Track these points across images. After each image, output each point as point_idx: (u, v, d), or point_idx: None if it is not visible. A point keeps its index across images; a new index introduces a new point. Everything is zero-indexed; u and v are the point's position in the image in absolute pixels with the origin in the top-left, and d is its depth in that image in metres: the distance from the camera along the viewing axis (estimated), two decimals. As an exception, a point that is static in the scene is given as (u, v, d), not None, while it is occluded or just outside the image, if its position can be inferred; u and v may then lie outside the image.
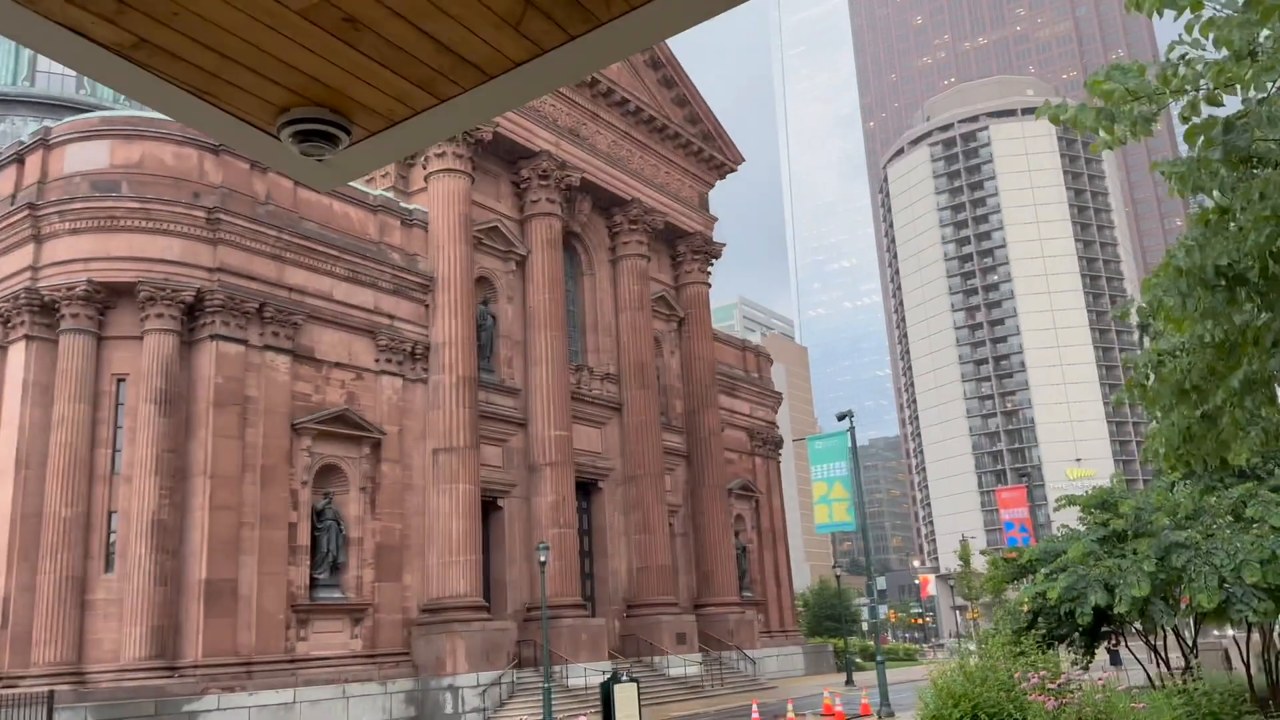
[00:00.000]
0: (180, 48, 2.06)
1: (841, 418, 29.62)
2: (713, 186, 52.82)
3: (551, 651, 34.34)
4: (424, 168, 37.13)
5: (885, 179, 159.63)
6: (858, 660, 54.00)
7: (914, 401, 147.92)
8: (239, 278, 30.09)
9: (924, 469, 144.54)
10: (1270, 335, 6.06)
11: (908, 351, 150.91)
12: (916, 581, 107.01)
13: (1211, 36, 4.98)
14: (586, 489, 42.38)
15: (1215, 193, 5.60)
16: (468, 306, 35.66)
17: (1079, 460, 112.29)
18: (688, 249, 50.35)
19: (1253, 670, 17.28)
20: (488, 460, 36.57)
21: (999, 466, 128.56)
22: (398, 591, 32.81)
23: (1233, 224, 5.65)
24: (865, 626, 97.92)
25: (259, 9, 1.98)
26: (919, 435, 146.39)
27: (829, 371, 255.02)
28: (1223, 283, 5.81)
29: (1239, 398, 6.39)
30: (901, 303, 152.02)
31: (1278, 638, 16.55)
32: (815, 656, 52.49)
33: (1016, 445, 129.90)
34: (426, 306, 35.58)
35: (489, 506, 37.30)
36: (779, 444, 56.35)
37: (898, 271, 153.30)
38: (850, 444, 27.26)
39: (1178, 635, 18.87)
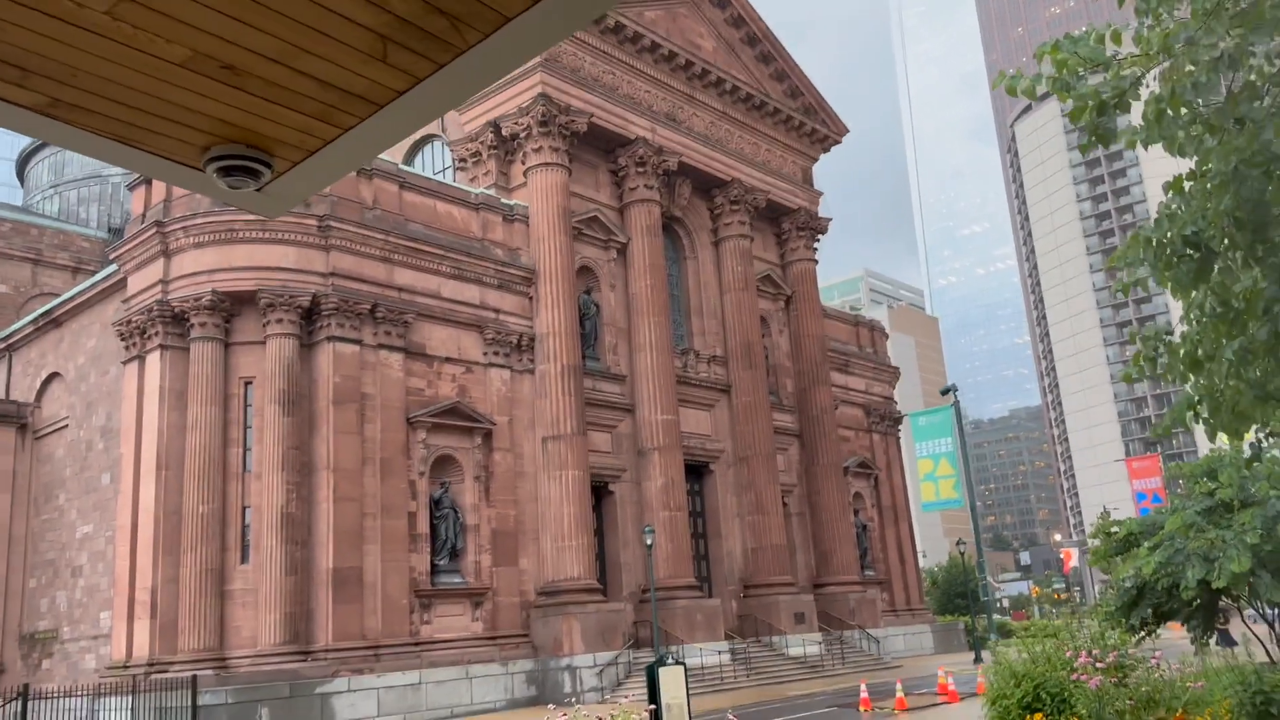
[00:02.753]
0: (91, 103, 2.32)
1: (945, 392, 28.92)
2: (816, 160, 51.98)
3: (667, 632, 34.88)
4: (523, 163, 37.98)
5: (1013, 138, 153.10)
6: (992, 639, 52.51)
7: (1053, 369, 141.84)
8: (351, 281, 31.58)
9: (1066, 439, 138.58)
10: (1261, 302, 5.76)
11: (1044, 317, 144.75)
12: (1060, 555, 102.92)
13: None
14: (698, 471, 42.64)
15: (1190, 152, 5.36)
16: (569, 297, 36.36)
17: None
18: (792, 226, 49.79)
19: None
20: (596, 446, 37.27)
21: (1146, 434, 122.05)
22: (514, 575, 33.91)
23: (1207, 185, 5.40)
24: (1005, 603, 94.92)
25: (145, 64, 2.21)
26: (1060, 404, 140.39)
27: (963, 342, 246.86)
28: (1191, 253, 5.57)
29: (1236, 367, 6.11)
30: (1036, 266, 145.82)
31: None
32: (945, 635, 51.37)
33: (1164, 410, 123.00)
34: (530, 299, 36.48)
35: (600, 491, 38.04)
36: (897, 420, 55.16)
37: (1030, 234, 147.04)
38: (955, 419, 26.54)
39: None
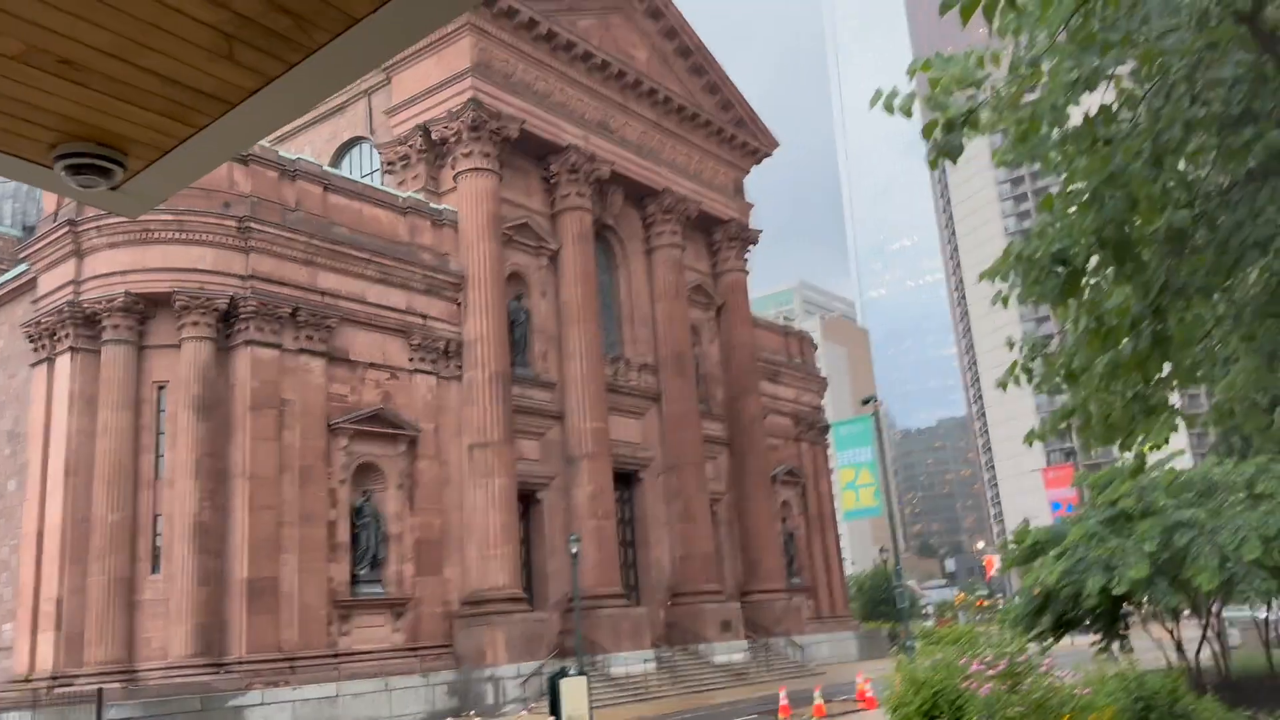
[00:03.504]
0: None
1: (866, 402, 29.40)
2: (747, 172, 52.53)
3: (593, 641, 34.78)
4: (453, 168, 37.65)
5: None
6: (916, 645, 53.41)
7: (978, 380, 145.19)
8: (271, 284, 30.93)
9: (990, 448, 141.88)
10: (1129, 318, 5.97)
11: (970, 329, 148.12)
12: (983, 562, 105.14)
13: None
14: (627, 479, 42.65)
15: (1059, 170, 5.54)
16: (499, 303, 36.13)
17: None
18: (724, 236, 50.20)
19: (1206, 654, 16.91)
20: (525, 454, 37.06)
21: (1066, 444, 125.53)
22: (438, 585, 33.49)
23: (1071, 209, 5.58)
24: (930, 610, 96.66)
25: None
26: (984, 414, 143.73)
27: (893, 353, 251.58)
28: (1059, 269, 5.75)
29: (1106, 381, 6.32)
30: (962, 280, 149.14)
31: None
32: (869, 642, 52.09)
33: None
34: (458, 305, 36.14)
35: (528, 499, 37.82)
36: (825, 429, 55.88)
37: (957, 249, 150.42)
38: (875, 429, 27.00)
39: (1198, 615, 18.38)
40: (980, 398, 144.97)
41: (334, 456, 31.53)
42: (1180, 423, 9.94)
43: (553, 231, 40.60)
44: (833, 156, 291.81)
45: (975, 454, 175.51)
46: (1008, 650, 11.50)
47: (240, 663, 28.02)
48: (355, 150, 42.07)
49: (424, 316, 35.03)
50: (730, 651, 39.82)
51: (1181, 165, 5.90)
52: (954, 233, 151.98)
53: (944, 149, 5.00)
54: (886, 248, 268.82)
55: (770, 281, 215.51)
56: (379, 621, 31.93)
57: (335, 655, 30.20)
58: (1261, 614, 20.33)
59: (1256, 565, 14.84)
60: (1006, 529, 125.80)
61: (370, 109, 40.32)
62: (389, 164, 38.98)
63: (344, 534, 31.35)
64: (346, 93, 40.74)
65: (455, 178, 37.45)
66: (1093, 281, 6.33)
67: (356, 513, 32.02)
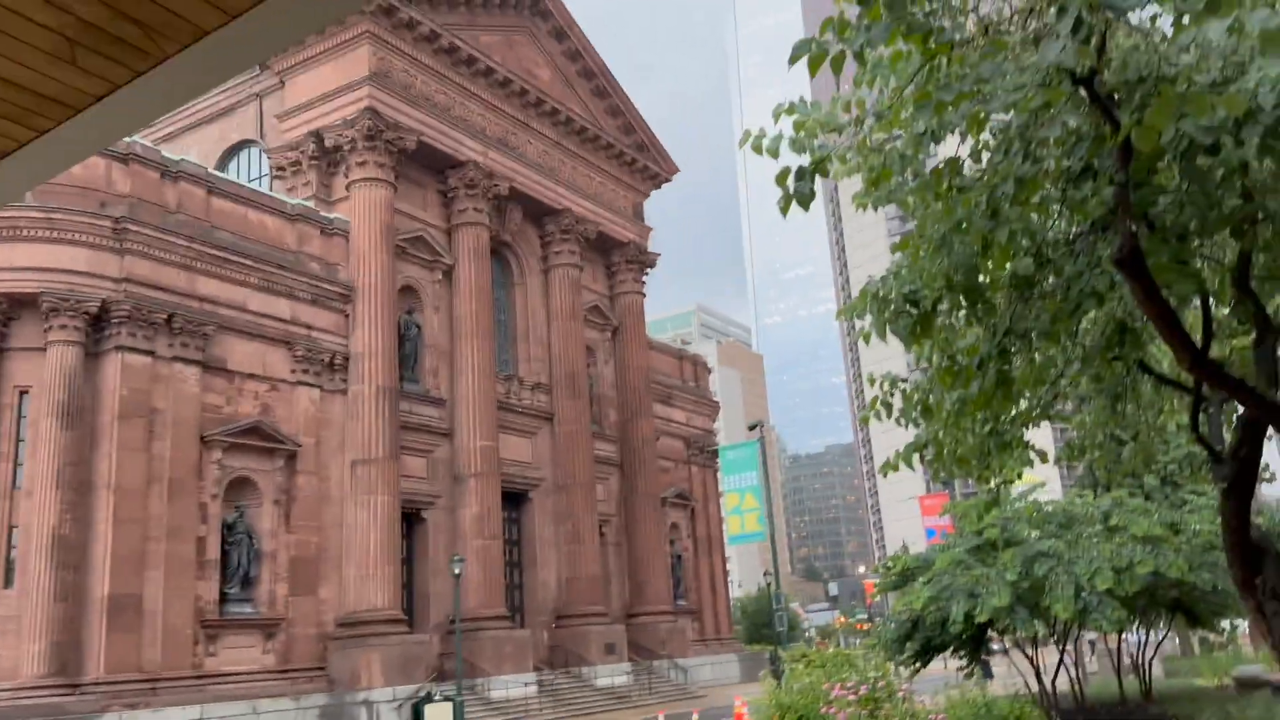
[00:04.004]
0: None
1: (753, 428, 29.85)
2: (647, 196, 53.01)
3: (474, 664, 34.22)
4: (346, 177, 36.89)
5: (835, 187, 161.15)
6: (784, 669, 54.25)
7: (864, 408, 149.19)
8: (147, 288, 29.67)
9: (874, 475, 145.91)
10: (976, 358, 6.23)
11: (858, 359, 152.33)
12: (864, 586, 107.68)
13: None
14: (516, 499, 42.24)
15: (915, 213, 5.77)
16: (389, 316, 35.45)
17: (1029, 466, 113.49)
18: (622, 259, 50.46)
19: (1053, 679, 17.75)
20: (411, 471, 36.35)
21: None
22: (313, 605, 32.46)
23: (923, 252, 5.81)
24: (812, 633, 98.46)
25: None
26: (869, 441, 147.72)
27: (786, 379, 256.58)
28: (911, 309, 5.98)
29: (955, 417, 6.57)
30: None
31: (1126, 646, 16.91)
32: (751, 664, 52.60)
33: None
34: (346, 316, 35.31)
35: (412, 518, 37.07)
36: (715, 452, 56.55)
37: (848, 280, 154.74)
38: (760, 454, 27.43)
39: (1057, 642, 19.19)
40: (866, 425, 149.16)
41: (206, 470, 30.32)
42: (1052, 455, 10.47)
43: (448, 246, 40.12)
44: (734, 184, 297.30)
45: (860, 480, 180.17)
46: (870, 675, 11.77)
47: (97, 684, 26.56)
48: (244, 153, 40.82)
49: (309, 327, 34.10)
50: (614, 674, 39.70)
51: (1034, 214, 6.20)
52: (845, 264, 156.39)
53: (795, 196, 5.13)
54: (782, 276, 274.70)
55: (669, 304, 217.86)
56: (249, 642, 30.74)
57: (201, 677, 28.92)
58: (1132, 639, 21.33)
59: (1109, 595, 15.60)
60: (888, 554, 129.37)
61: (261, 112, 39.22)
62: (279, 169, 37.94)
63: (214, 551, 30.13)
64: (236, 94, 39.58)
65: (348, 187, 36.69)
66: (948, 322, 6.59)
67: (229, 529, 30.83)
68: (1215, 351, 9.13)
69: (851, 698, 11.07)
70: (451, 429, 38.33)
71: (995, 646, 26.34)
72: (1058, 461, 12.28)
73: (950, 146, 6.01)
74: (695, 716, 25.95)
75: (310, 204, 35.95)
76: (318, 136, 36.95)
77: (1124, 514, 16.94)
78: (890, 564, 20.15)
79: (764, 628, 71.72)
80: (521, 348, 44.39)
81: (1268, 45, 3.79)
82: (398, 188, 37.48)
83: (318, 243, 35.29)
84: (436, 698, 15.04)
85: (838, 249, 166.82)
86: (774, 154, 5.64)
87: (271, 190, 36.98)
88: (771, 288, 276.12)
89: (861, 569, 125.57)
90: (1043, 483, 21.49)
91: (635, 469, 47.41)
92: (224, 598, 30.24)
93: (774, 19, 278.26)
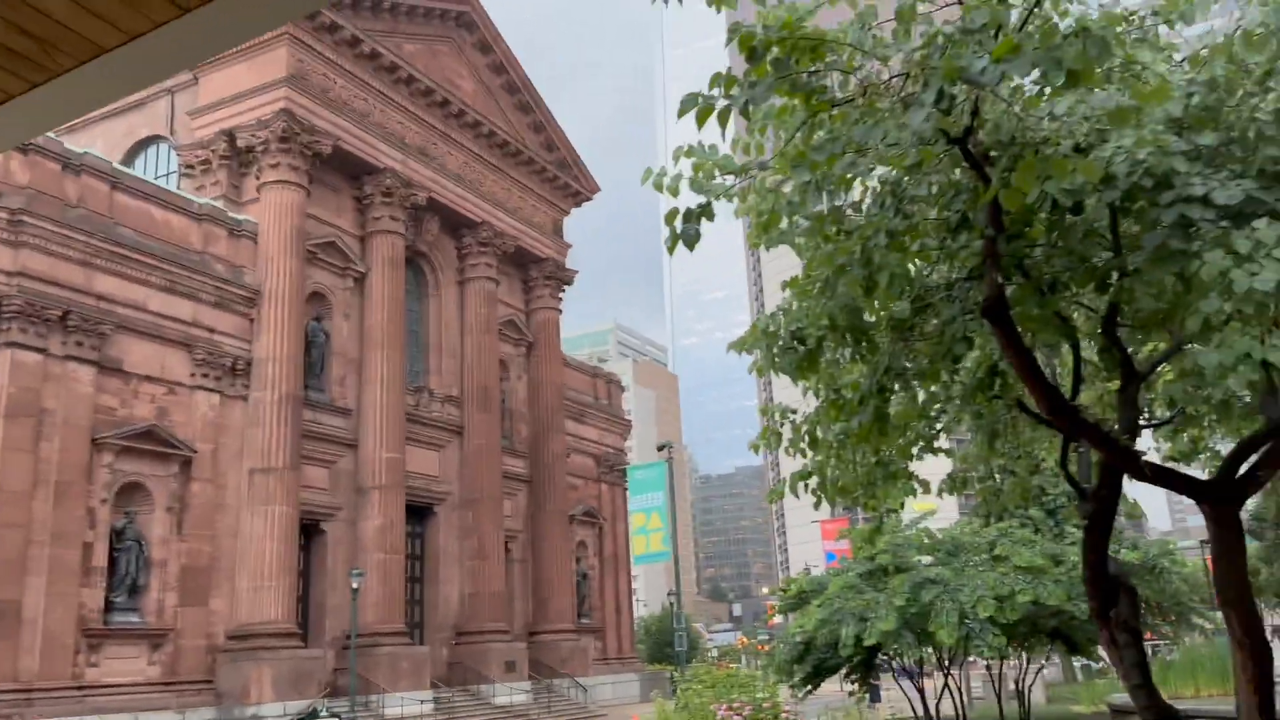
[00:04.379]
0: None
1: (661, 449, 30.10)
2: (568, 213, 53.13)
3: (369, 680, 33.57)
4: (257, 178, 36.11)
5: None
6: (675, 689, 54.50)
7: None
8: (42, 283, 28.53)
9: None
10: (858, 394, 6.53)
11: (770, 383, 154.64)
12: (767, 608, 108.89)
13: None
14: (421, 513, 41.68)
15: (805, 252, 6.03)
16: (295, 322, 34.73)
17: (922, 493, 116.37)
18: (539, 274, 50.42)
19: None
20: (312, 482, 35.58)
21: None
22: (203, 616, 31.47)
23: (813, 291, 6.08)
24: (714, 653, 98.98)
25: None
26: (778, 465, 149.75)
27: (701, 400, 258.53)
28: (797, 346, 6.24)
29: (837, 450, 6.85)
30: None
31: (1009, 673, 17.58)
32: (652, 683, 52.69)
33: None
34: (251, 321, 34.48)
35: (311, 530, 36.26)
36: (625, 471, 56.71)
37: (763, 306, 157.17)
38: (668, 475, 27.67)
39: (943, 667, 19.78)
40: (756, 452, 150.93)
41: (97, 473, 29.20)
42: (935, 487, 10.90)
43: (362, 253, 39.54)
44: (657, 206, 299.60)
45: (767, 502, 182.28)
46: (756, 696, 12.00)
47: (-37, 697, 25.26)
48: (152, 149, 39.66)
49: (211, 330, 33.20)
50: (513, 693, 39.35)
51: (915, 261, 6.52)
52: (761, 289, 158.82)
53: (681, 237, 5.31)
54: (701, 297, 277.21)
55: (588, 321, 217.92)
56: (134, 653, 29.62)
57: (81, 688, 27.74)
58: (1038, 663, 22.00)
59: (991, 623, 16.19)
60: (791, 575, 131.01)
61: (173, 108, 38.18)
62: (188, 167, 36.94)
63: (101, 558, 28.99)
64: (147, 88, 38.48)
65: (259, 189, 35.92)
66: (834, 358, 6.88)
67: (118, 535, 29.71)
68: (1089, 395, 9.66)
69: (737, 718, 11.28)
70: (357, 440, 37.66)
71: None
72: (949, 492, 12.70)
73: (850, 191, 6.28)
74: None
75: (219, 204, 35.08)
76: (230, 136, 36.12)
77: (1008, 544, 17.62)
78: (787, 586, 20.54)
79: (667, 647, 71.86)
80: (434, 359, 43.93)
81: (1115, 121, 4.12)
82: (311, 192, 36.85)
83: (224, 244, 34.43)
84: (323, 714, 14.70)
85: (754, 274, 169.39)
86: (674, 192, 5.82)
87: (179, 188, 35.99)
88: (690, 308, 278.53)
89: (765, 590, 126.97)
90: (934, 510, 22.12)
91: (544, 485, 47.25)
92: (109, 606, 29.11)
93: (700, 44, 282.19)
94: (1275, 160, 5.03)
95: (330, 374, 37.92)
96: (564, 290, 52.18)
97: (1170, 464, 11.10)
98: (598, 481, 54.35)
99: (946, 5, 5.38)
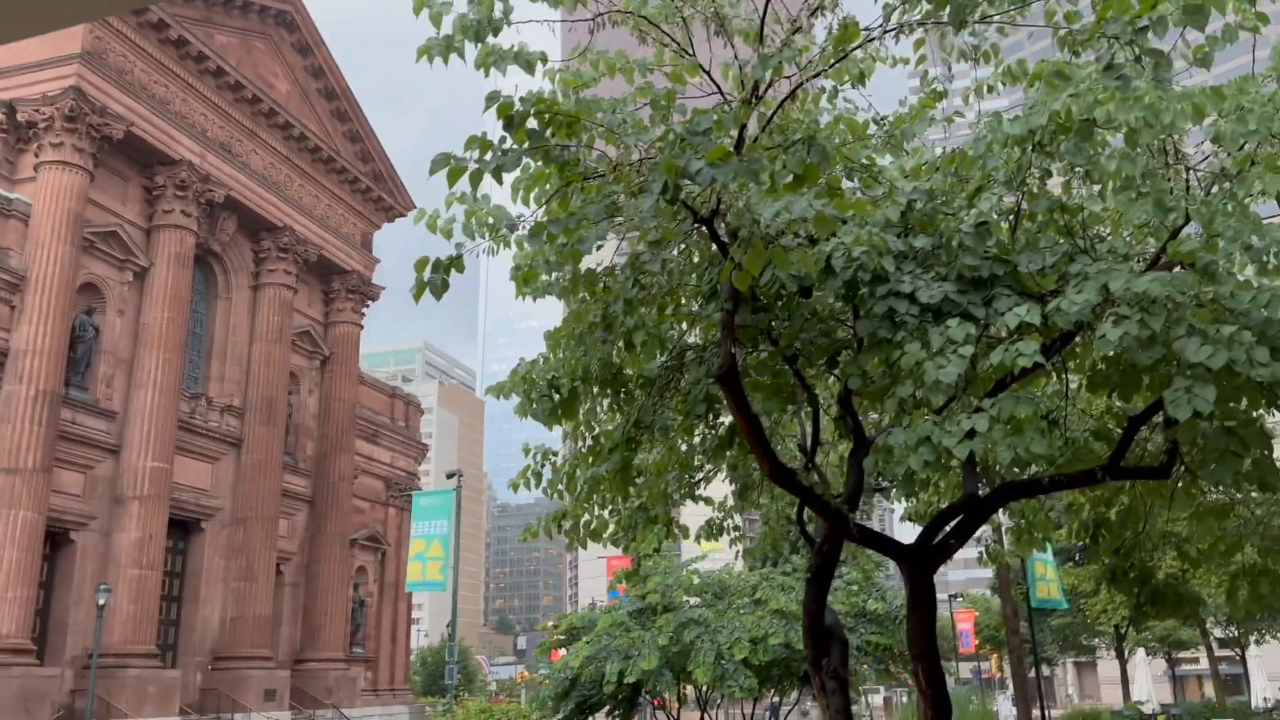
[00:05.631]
0: None
1: (450, 476, 29.79)
2: (379, 228, 51.91)
3: (109, 704, 31.13)
4: (35, 155, 33.37)
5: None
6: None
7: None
8: None
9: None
10: (610, 441, 6.87)
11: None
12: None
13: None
14: (186, 528, 39.17)
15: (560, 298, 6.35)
16: (62, 314, 32.13)
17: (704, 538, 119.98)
18: (343, 287, 48.88)
19: None
20: (64, 487, 32.82)
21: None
22: (-82, 630, 28.29)
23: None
24: (494, 687, 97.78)
25: None
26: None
27: (506, 428, 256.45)
28: (553, 394, 6.54)
29: (588, 492, 7.17)
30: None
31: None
32: (422, 715, 51.47)
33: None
34: (13, 308, 31.65)
35: (60, 539, 33.38)
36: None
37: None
38: (455, 504, 27.39)
39: (700, 706, 20.47)
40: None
41: None
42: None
43: (146, 247, 37.12)
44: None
45: (560, 535, 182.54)
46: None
47: None
48: (-89, 108, 35.85)
49: (-37, 314, 30.25)
50: (271, 722, 37.41)
51: (672, 322, 6.96)
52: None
53: (429, 285, 5.48)
54: (515, 325, 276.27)
55: (398, 338, 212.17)
56: None
57: None
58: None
59: (744, 664, 16.97)
60: (579, 610, 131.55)
61: (-58, 68, 34.74)
62: (-46, 135, 33.67)
63: None
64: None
65: (37, 167, 33.21)
66: (594, 406, 7.21)
67: None
68: (828, 457, 10.46)
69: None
70: (119, 445, 35.07)
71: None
72: (706, 538, 13.26)
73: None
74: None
75: (-15, 177, 32.14)
76: (10, 107, 33.28)
77: (768, 589, 18.54)
78: (558, 622, 20.74)
79: (443, 679, 70.45)
80: (216, 365, 41.62)
81: (819, 226, 4.65)
82: (95, 176, 34.38)
83: (-12, 222, 31.54)
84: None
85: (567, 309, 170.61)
86: (447, 235, 5.95)
87: (-61, 155, 32.73)
88: (503, 335, 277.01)
89: (550, 623, 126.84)
90: (719, 549, 22.93)
91: (327, 506, 45.48)
92: None
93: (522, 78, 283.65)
94: (971, 268, 5.76)
95: (96, 372, 35.22)
96: (368, 305, 50.82)
97: (907, 522, 12.17)
98: (386, 505, 52.83)
99: (708, 95, 5.86)
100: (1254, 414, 5.40)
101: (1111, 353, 5.21)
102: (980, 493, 7.09)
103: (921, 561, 7.26)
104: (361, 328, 50.19)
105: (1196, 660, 64.38)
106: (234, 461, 40.91)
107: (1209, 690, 65.76)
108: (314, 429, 46.74)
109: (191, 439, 38.59)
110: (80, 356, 34.44)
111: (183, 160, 37.48)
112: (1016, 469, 6.44)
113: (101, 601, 27.82)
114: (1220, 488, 7.79)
